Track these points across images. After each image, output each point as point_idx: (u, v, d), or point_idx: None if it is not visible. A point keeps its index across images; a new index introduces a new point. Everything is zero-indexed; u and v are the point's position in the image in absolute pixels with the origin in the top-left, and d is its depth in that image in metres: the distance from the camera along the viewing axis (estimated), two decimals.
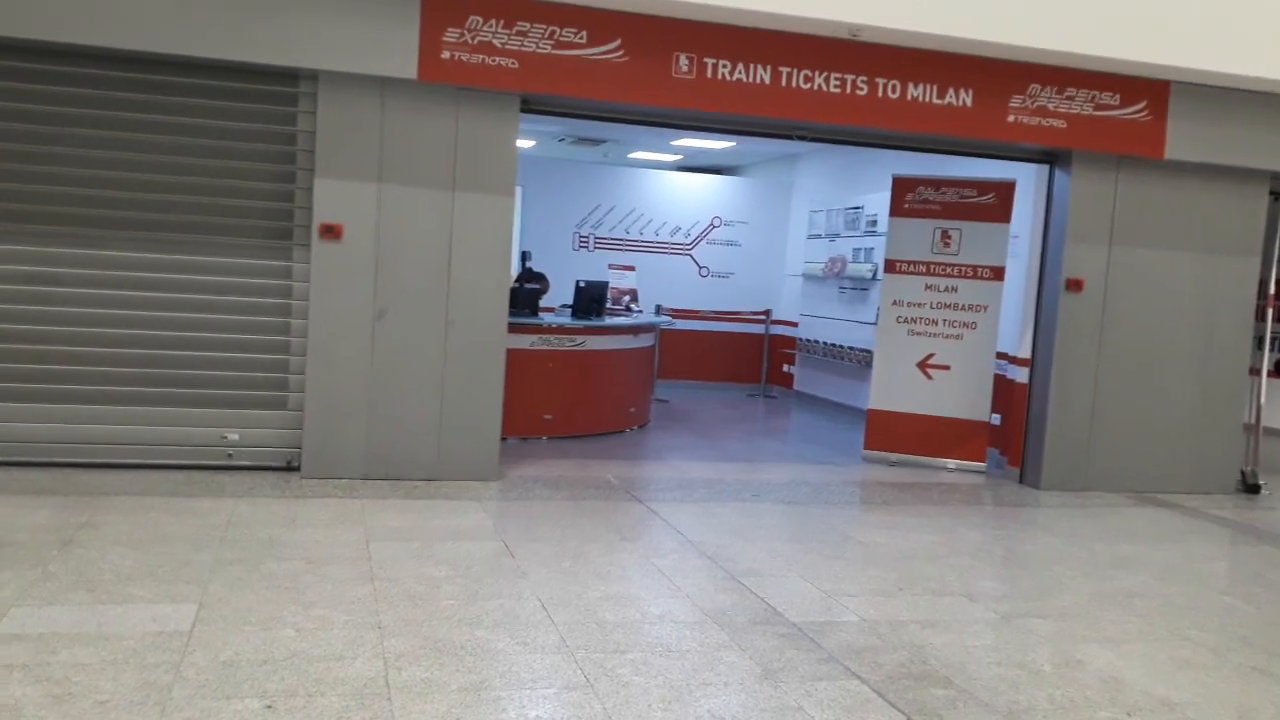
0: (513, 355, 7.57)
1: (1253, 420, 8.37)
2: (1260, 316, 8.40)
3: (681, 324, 12.32)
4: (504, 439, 7.36)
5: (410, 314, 6.58)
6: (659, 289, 12.32)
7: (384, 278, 6.53)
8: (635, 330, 9.39)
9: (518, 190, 12.25)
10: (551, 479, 6.99)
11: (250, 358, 6.55)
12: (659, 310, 11.65)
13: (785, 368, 12.81)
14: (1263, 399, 8.47)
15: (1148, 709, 3.68)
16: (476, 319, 6.68)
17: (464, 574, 4.74)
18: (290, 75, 6.44)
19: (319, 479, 6.42)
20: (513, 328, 7.65)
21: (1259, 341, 8.44)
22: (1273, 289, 8.45)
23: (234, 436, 6.54)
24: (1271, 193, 8.09)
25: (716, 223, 13.37)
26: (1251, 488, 8.16)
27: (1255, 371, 8.43)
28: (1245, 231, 8.03)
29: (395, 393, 6.58)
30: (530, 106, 6.83)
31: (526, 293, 8.88)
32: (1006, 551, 6.10)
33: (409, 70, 6.33)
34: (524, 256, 10.37)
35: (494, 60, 6.42)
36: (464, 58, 6.37)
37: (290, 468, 6.56)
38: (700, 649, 3.98)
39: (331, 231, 6.44)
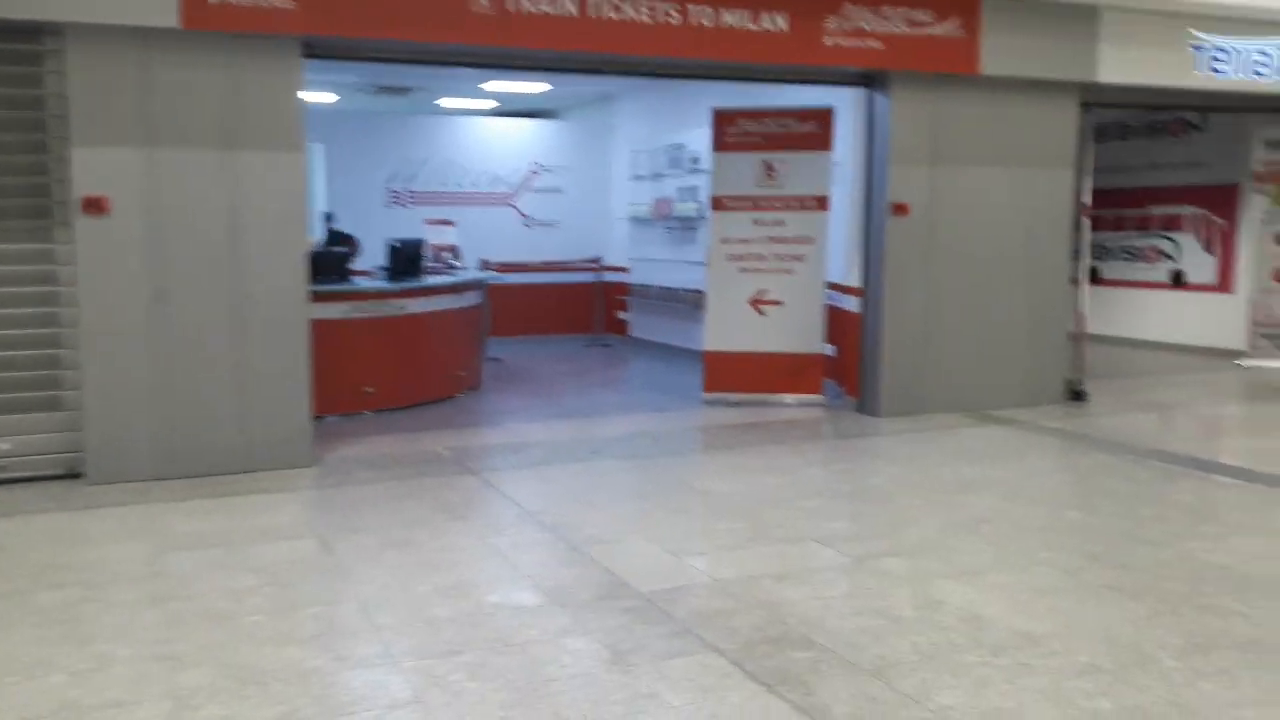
0: (323, 326, 6.97)
1: (1075, 330, 8.53)
2: (1076, 227, 8.53)
3: (509, 278, 11.80)
4: (320, 418, 6.79)
5: (194, 291, 5.90)
6: (482, 243, 11.77)
7: (160, 253, 5.81)
8: (458, 288, 8.86)
9: (318, 147, 11.56)
10: (375, 458, 6.47)
11: (13, 355, 5.76)
12: (484, 265, 11.13)
13: (619, 315, 12.49)
14: (1083, 308, 8.64)
15: (1012, 646, 3.53)
16: (273, 290, 6.05)
17: (274, 581, 4.23)
18: (32, 30, 5.60)
19: (107, 485, 5.71)
20: (321, 296, 7.06)
21: (1075, 251, 8.57)
22: (1086, 199, 8.58)
23: (3, 446, 5.76)
24: (1081, 103, 8.16)
25: (537, 169, 12.87)
26: (1078, 395, 8.33)
27: (1074, 281, 8.57)
28: (1058, 144, 8.08)
29: (185, 381, 5.90)
30: (314, 52, 6.17)
31: (332, 257, 8.23)
32: (853, 487, 5.96)
33: (170, 18, 5.60)
34: (327, 218, 9.66)
35: (268, 1, 5.75)
36: (234, 0, 5.68)
37: (73, 475, 5.83)
38: (542, 638, 3.61)
39: (95, 205, 5.68)
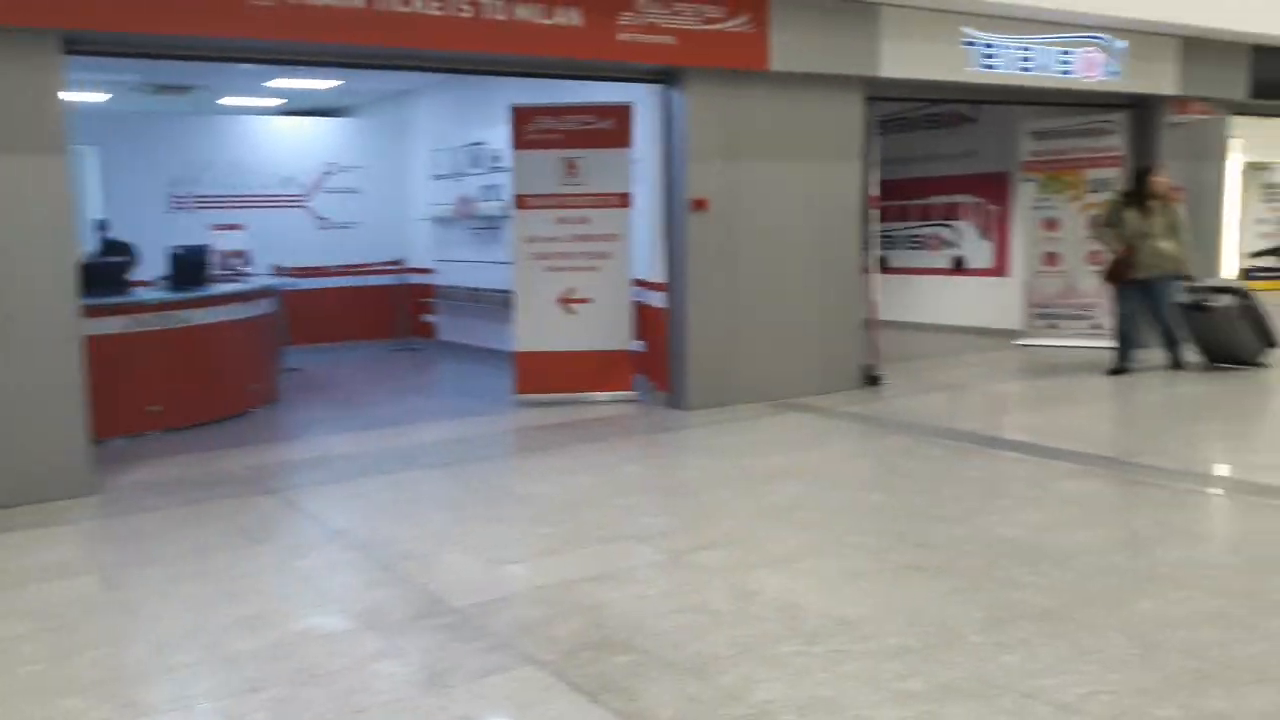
0: (100, 343, 6.46)
1: (868, 317, 8.88)
2: (865, 218, 8.86)
3: (306, 283, 11.34)
4: (102, 442, 6.30)
5: None
6: (275, 247, 11.26)
7: None
8: (249, 296, 8.41)
9: (90, 151, 10.75)
10: (164, 482, 6.05)
11: None
12: (277, 271, 10.63)
13: (425, 318, 12.19)
14: (875, 296, 9.00)
15: (827, 633, 3.60)
16: (37, 307, 5.54)
17: (51, 625, 3.86)
18: None
19: None
20: (96, 310, 6.54)
21: (865, 241, 8.92)
22: (873, 190, 8.94)
23: None
24: (866, 97, 8.48)
25: (331, 170, 12.40)
26: (873, 380, 8.67)
27: (866, 270, 8.91)
28: (846, 137, 8.38)
29: None
30: (77, 48, 5.69)
31: (107, 268, 7.67)
32: (667, 482, 6.00)
33: None
34: (100, 226, 8.99)
35: None
36: None
37: None
38: (352, 666, 3.44)
39: None
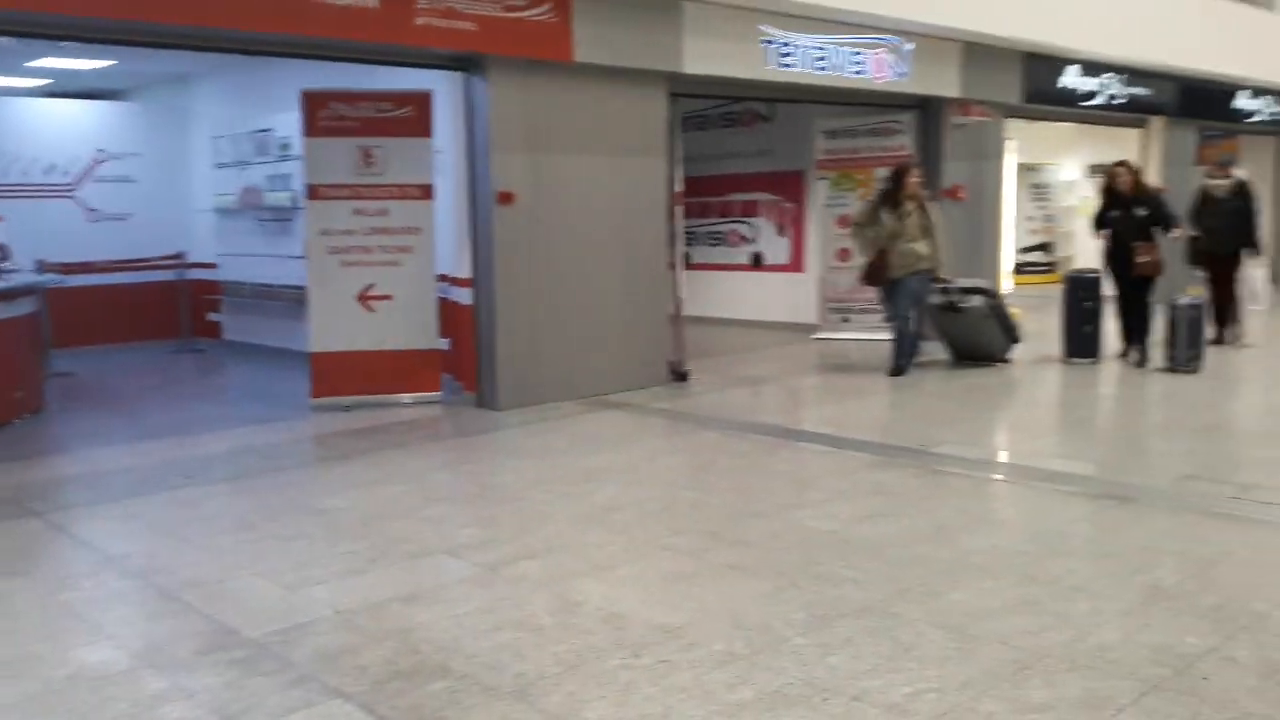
0: None
1: (674, 313, 8.89)
2: (671, 214, 8.86)
3: (75, 280, 10.37)
4: None
5: None
6: (38, 241, 10.23)
7: None
8: (8, 295, 7.59)
9: None
10: None
11: None
12: (41, 267, 9.68)
13: (210, 316, 11.41)
14: (681, 292, 9.02)
15: (653, 643, 3.48)
16: None
17: None
18: None
19: None
20: None
21: (670, 237, 8.92)
22: (678, 186, 8.95)
23: None
24: (670, 93, 8.47)
25: (102, 157, 11.43)
26: (680, 375, 8.69)
27: (671, 266, 8.92)
28: (651, 133, 8.35)
29: None
30: None
31: None
32: (480, 488, 5.77)
33: None
34: None
35: None
36: None
37: None
38: (132, 711, 3.07)
39: None
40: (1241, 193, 10.15)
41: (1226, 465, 5.88)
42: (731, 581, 4.09)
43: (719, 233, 12.74)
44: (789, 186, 12.10)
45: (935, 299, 8.93)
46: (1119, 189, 8.99)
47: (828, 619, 3.67)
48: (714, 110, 12.38)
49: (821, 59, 9.37)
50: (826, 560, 4.28)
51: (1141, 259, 8.78)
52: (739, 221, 12.61)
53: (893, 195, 8.79)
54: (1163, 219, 8.93)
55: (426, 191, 7.92)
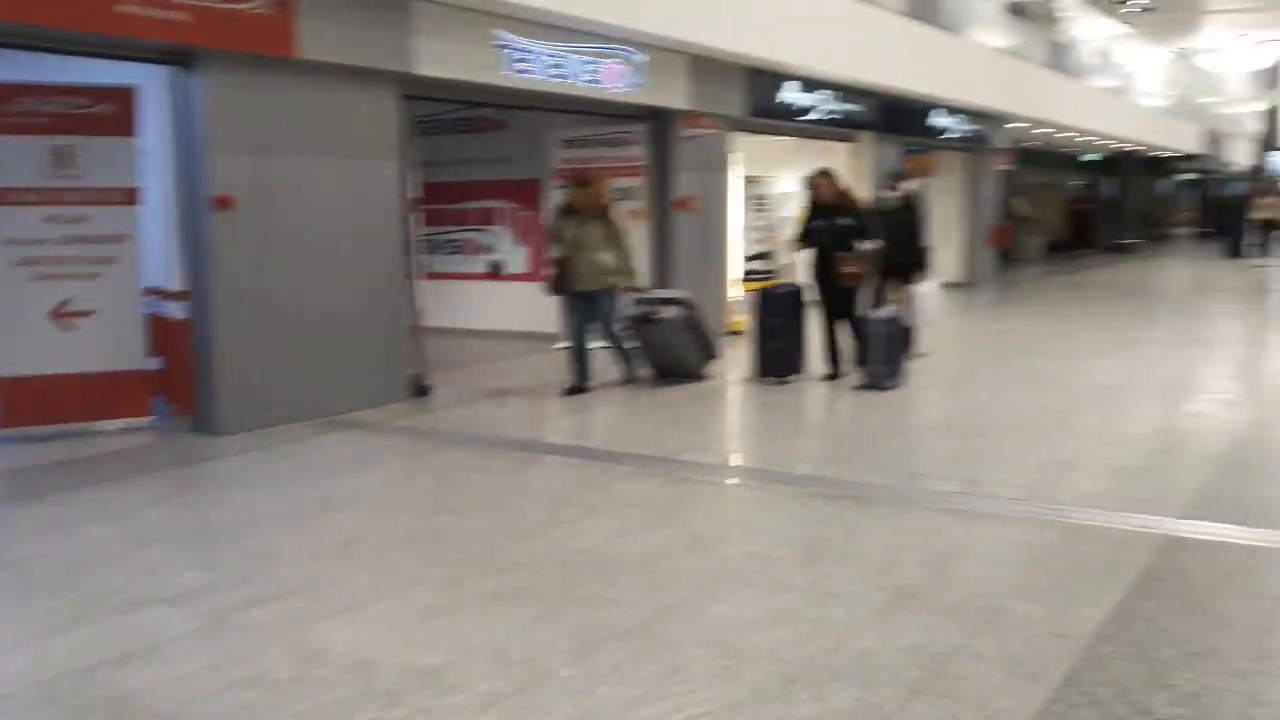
0: None
1: (414, 324, 8.54)
2: (407, 221, 8.50)
3: None
4: None
5: None
6: None
7: None
8: None
9: None
10: None
11: None
12: None
13: None
14: (420, 302, 8.67)
15: (409, 689, 3.21)
16: None
17: None
18: None
19: None
20: None
21: (408, 245, 8.56)
22: (414, 193, 8.61)
23: None
24: (402, 96, 8.12)
25: None
26: (422, 390, 8.34)
27: (409, 276, 8.56)
28: (383, 136, 7.96)
29: None
30: None
31: None
32: (201, 525, 5.23)
33: None
34: None
35: None
36: None
37: None
38: None
39: None
40: (908, 206, 9.85)
41: (950, 462, 6.24)
42: (492, 613, 3.87)
43: (457, 241, 12.41)
44: (527, 194, 11.94)
45: (631, 310, 8.59)
46: (821, 199, 8.65)
47: (594, 645, 3.53)
48: (448, 115, 12.05)
49: (556, 67, 9.30)
50: (588, 581, 4.15)
51: (845, 270, 8.45)
52: (477, 230, 12.33)
53: (572, 205, 8.49)
54: (864, 230, 8.62)
55: (131, 196, 7.17)
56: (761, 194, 17.94)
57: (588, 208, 8.44)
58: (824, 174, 8.80)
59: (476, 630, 3.69)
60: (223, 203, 6.87)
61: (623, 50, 9.95)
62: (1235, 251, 21.65)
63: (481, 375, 9.51)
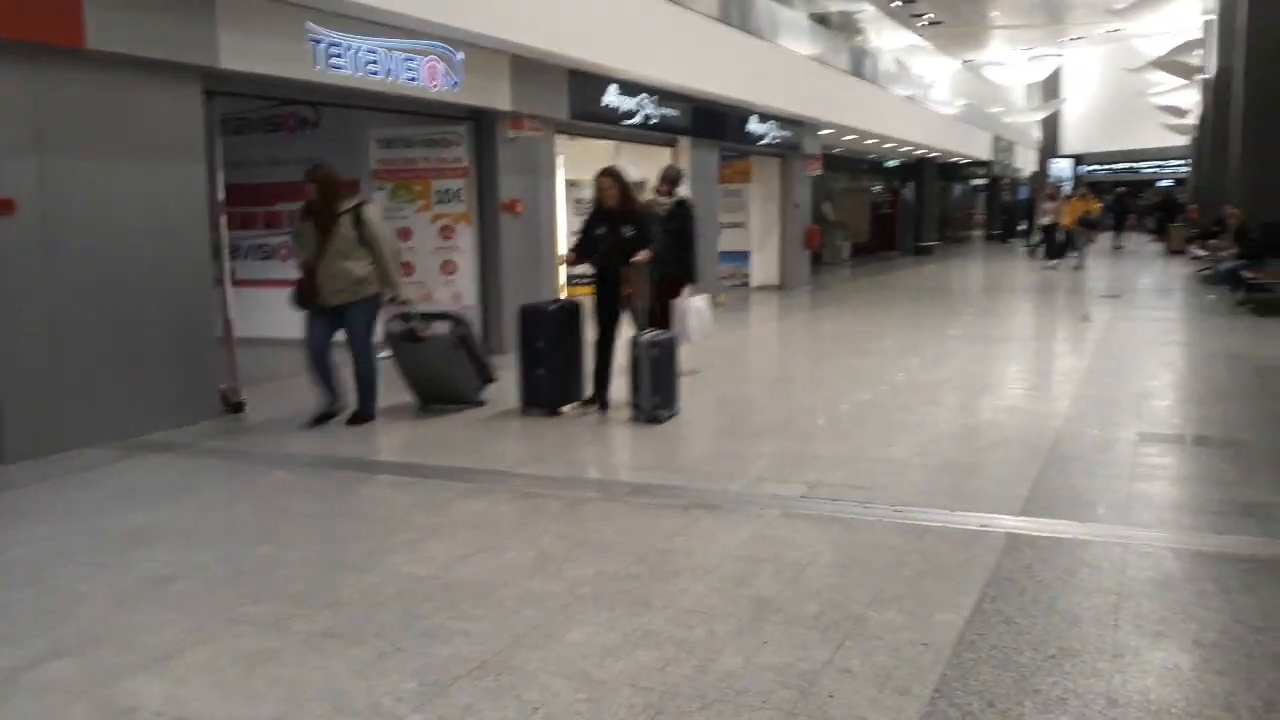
0: None
1: (224, 336, 7.97)
2: (215, 225, 7.92)
3: None
4: None
5: None
6: None
7: None
8: None
9: None
10: None
11: None
12: None
13: None
14: (231, 312, 8.10)
15: None
16: None
17: None
18: None
19: None
20: None
21: (216, 250, 7.98)
22: (220, 195, 8.04)
23: None
24: (207, 92, 7.55)
25: None
26: (235, 406, 7.79)
27: (218, 283, 7.99)
28: (186, 134, 7.38)
29: None
30: None
31: None
32: None
33: None
34: None
35: None
36: None
37: None
38: None
39: None
40: (681, 213, 9.04)
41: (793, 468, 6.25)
42: (327, 654, 3.54)
43: (268, 246, 11.72)
44: None
45: (393, 327, 7.56)
46: (606, 203, 7.53)
47: (443, 685, 3.27)
48: (255, 113, 11.37)
49: (373, 63, 8.88)
50: (431, 612, 3.87)
51: (628, 289, 7.53)
52: (289, 233, 11.68)
53: (320, 205, 7.22)
54: (646, 240, 7.50)
55: None
56: (585, 198, 17.88)
57: (326, 208, 7.18)
58: (607, 174, 7.61)
59: (310, 675, 3.37)
60: (3, 207, 6.18)
61: (442, 48, 9.61)
62: (1051, 254, 22.98)
63: (299, 389, 8.91)
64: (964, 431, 6.99)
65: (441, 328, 7.59)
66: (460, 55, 9.86)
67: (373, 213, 7.34)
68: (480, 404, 7.92)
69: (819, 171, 20.95)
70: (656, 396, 7.22)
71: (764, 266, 19.33)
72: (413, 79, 9.34)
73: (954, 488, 5.55)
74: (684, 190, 9.45)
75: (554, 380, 7.57)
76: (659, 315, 8.43)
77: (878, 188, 32.34)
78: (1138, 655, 3.34)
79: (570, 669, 3.36)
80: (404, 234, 10.79)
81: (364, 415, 7.48)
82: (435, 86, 9.62)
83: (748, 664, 3.36)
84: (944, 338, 11.88)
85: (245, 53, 7.59)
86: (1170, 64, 32.06)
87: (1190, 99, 34.04)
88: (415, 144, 10.71)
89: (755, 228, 19.21)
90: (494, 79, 10.48)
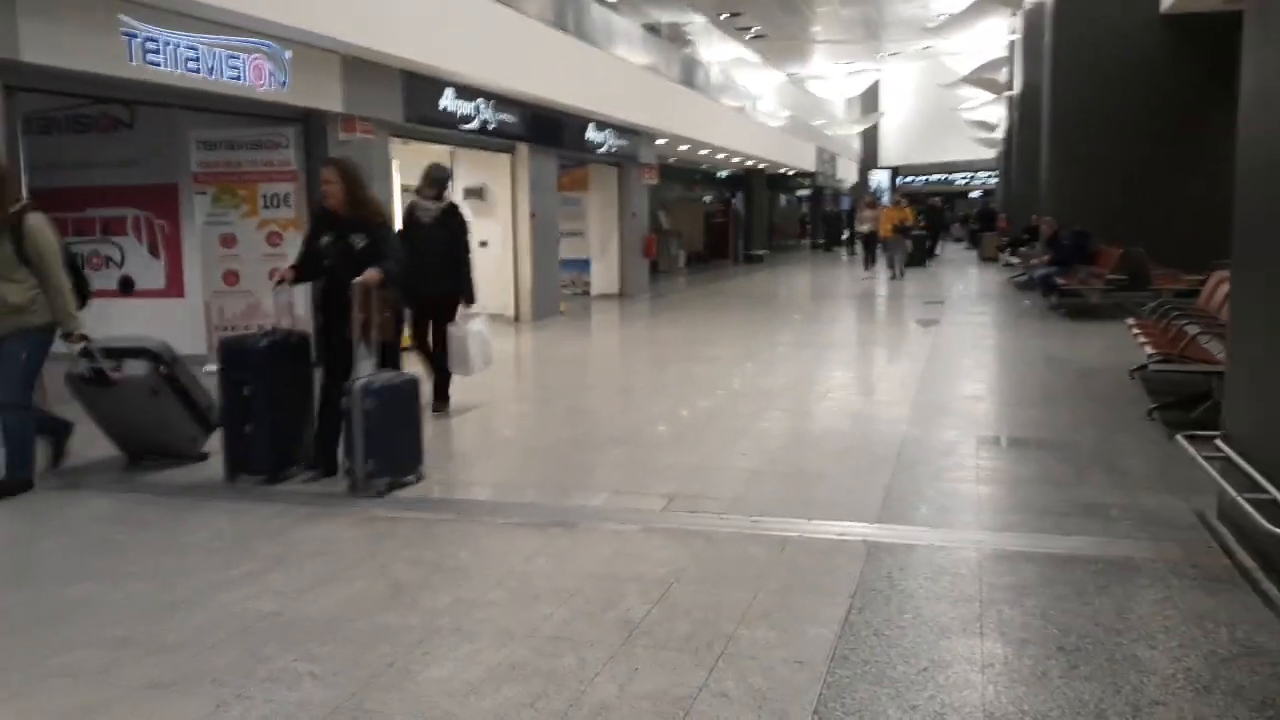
0: None
1: None
2: None
3: None
4: None
5: None
6: None
7: None
8: None
9: None
10: None
11: None
12: None
13: None
14: None
15: None
16: None
17: None
18: None
19: None
20: None
21: None
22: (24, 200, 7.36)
23: None
24: (6, 87, 6.91)
25: None
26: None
27: None
28: None
29: None
30: None
31: None
32: None
33: None
34: None
35: None
36: None
37: None
38: None
39: None
40: (450, 221, 7.78)
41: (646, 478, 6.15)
42: (158, 705, 3.20)
43: (79, 255, 10.87)
44: (160, 202, 10.71)
45: (78, 367, 6.02)
46: (327, 204, 5.99)
47: None
48: (62, 112, 10.54)
49: (194, 60, 8.34)
50: (276, 653, 3.57)
51: (362, 315, 5.72)
52: (103, 241, 10.89)
53: None
54: (381, 254, 5.83)
55: None
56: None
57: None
58: (332, 165, 6.01)
59: None
60: None
61: (268, 45, 9.13)
62: (869, 261, 23.74)
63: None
64: (811, 438, 7.06)
65: (139, 368, 6.03)
66: (288, 54, 9.40)
67: (37, 223, 5.69)
68: (202, 457, 6.39)
69: (655, 181, 21.09)
70: (371, 461, 5.47)
71: (604, 275, 19.31)
72: (237, 78, 8.83)
73: (808, 496, 5.56)
74: (454, 193, 8.34)
75: (270, 439, 5.80)
76: (433, 343, 7.76)
77: (710, 198, 32.90)
78: (1007, 664, 3.37)
79: (432, 710, 3.14)
80: (228, 240, 10.22)
81: (11, 485, 5.68)
82: (261, 86, 9.13)
83: (621, 694, 3.22)
84: (780, 344, 12.09)
85: (50, 45, 7.00)
86: (980, 80, 33.83)
87: (998, 114, 36.02)
88: (240, 146, 10.14)
89: (594, 236, 19.19)
90: (325, 79, 10.05)
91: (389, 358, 5.98)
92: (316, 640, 3.68)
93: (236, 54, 8.79)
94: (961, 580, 4.13)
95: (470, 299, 7.76)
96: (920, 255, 26.04)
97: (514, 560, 4.56)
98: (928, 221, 27.60)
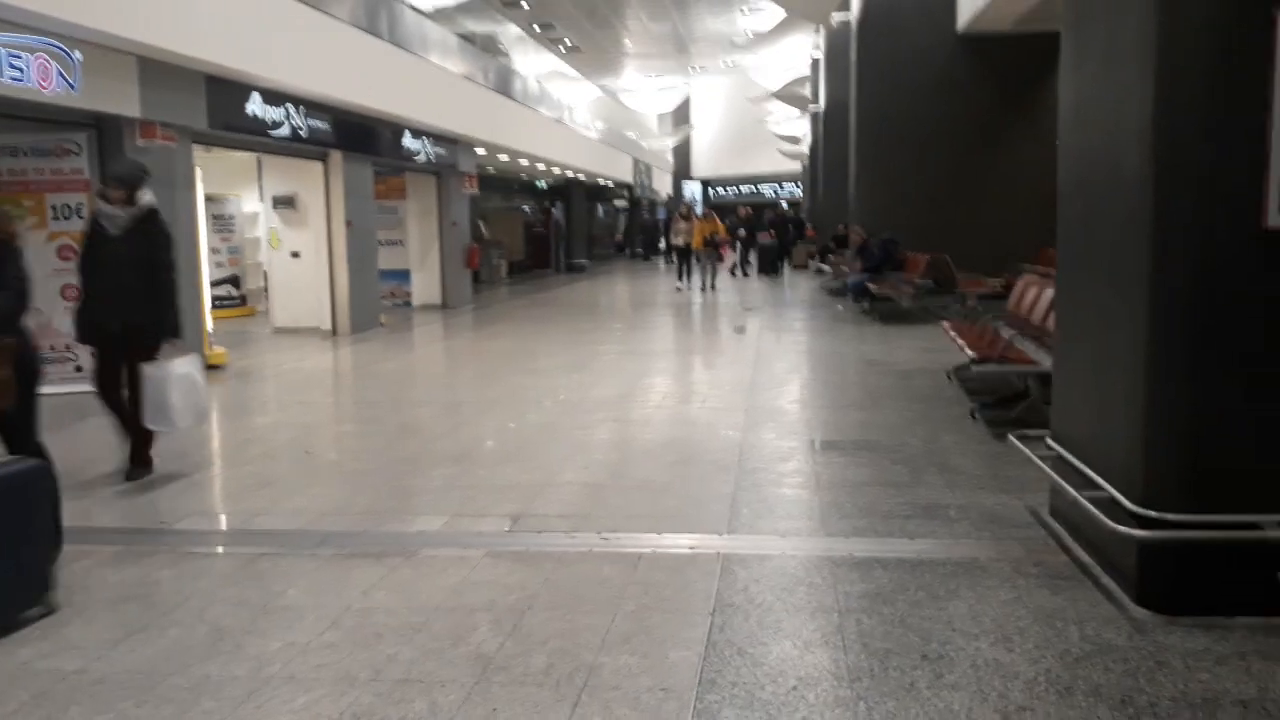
0: None
1: None
2: None
3: None
4: None
5: None
6: None
7: None
8: None
9: None
10: None
11: None
12: None
13: None
14: None
15: None
16: None
17: None
18: None
19: None
20: None
21: None
22: None
23: None
24: None
25: None
26: None
27: None
28: None
29: None
30: None
31: None
32: None
33: None
34: None
35: None
36: None
37: None
38: None
39: None
40: (148, 230, 6.10)
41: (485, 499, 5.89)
42: None
43: None
44: None
45: None
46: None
47: None
48: None
49: None
50: (81, 718, 3.16)
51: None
52: None
53: None
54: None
55: None
56: (224, 214, 16.57)
57: None
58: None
59: None
60: None
61: (54, 45, 8.37)
62: (682, 273, 23.73)
63: None
64: (651, 448, 6.96)
65: None
66: (78, 54, 8.64)
67: None
68: None
69: (475, 190, 20.71)
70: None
71: (426, 285, 18.78)
72: (19, 79, 8.04)
73: (654, 509, 5.45)
74: (149, 196, 6.20)
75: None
76: (128, 391, 6.15)
77: (530, 207, 32.67)
78: (874, 677, 3.32)
79: None
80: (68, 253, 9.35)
81: None
82: (48, 88, 8.35)
83: None
84: (608, 353, 12.00)
85: None
86: (786, 95, 34.90)
87: (804, 128, 37.25)
88: (24, 153, 9.28)
89: (414, 246, 18.64)
90: (120, 82, 9.31)
91: (16, 433, 4.60)
92: (130, 700, 3.29)
93: (19, 53, 8.01)
94: (818, 590, 4.09)
95: (173, 332, 6.12)
96: (772, 263, 26.93)
97: (350, 595, 4.24)
98: (750, 232, 28.18)
